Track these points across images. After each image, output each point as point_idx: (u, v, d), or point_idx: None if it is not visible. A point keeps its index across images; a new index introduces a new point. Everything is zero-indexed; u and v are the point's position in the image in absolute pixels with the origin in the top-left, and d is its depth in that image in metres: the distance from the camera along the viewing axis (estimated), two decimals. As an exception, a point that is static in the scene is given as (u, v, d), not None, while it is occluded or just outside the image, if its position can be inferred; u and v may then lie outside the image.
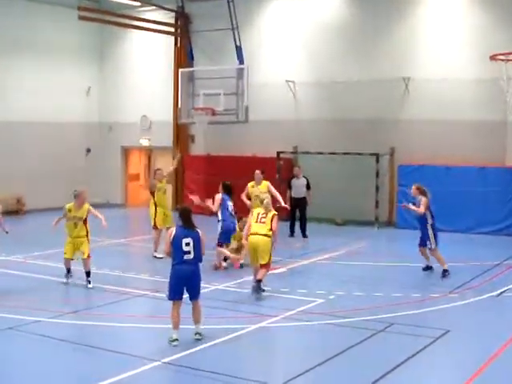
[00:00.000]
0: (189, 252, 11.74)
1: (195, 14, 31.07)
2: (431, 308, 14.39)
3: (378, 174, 25.88)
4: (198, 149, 31.45)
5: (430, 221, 17.58)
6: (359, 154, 26.13)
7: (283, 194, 25.96)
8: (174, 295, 11.88)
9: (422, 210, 17.46)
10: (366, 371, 10.60)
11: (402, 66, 26.30)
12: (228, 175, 27.13)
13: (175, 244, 11.78)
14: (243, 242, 16.18)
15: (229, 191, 18.66)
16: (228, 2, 27.58)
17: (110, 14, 30.91)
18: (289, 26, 28.91)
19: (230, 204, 18.47)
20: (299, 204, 24.00)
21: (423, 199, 17.54)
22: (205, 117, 26.54)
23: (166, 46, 31.87)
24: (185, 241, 11.74)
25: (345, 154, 26.47)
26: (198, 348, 11.51)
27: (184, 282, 11.83)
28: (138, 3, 31.11)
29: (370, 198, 26.04)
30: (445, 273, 17.31)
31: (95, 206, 17.09)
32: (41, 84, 30.75)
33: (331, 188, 26.18)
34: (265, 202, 15.82)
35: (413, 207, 17.72)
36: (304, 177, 24.18)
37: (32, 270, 17.81)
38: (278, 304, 14.61)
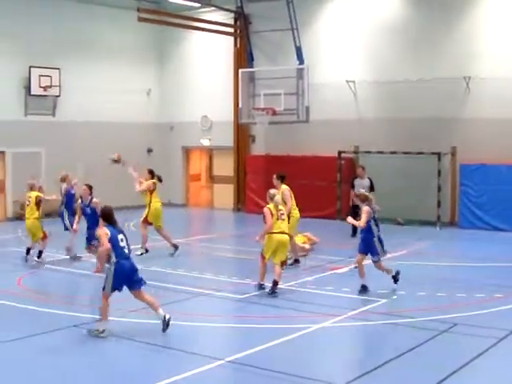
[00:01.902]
0: (124, 247, 12.44)
1: (254, 14, 31.18)
2: (495, 308, 14.22)
3: (439, 174, 25.67)
4: (258, 149, 31.56)
5: (376, 233, 15.49)
6: (420, 153, 25.99)
7: (346, 194, 26.09)
8: (120, 287, 12.46)
9: (361, 223, 15.38)
10: (430, 372, 10.57)
11: (462, 65, 25.99)
12: (289, 175, 27.27)
13: (115, 242, 12.35)
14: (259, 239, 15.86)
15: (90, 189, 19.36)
16: (287, 2, 27.57)
17: (169, 15, 31.23)
18: (348, 25, 28.84)
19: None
20: (362, 204, 23.89)
21: (364, 208, 15.48)
22: (265, 117, 26.69)
23: (225, 46, 32.07)
24: (120, 237, 12.43)
25: (406, 153, 26.35)
26: (261, 347, 11.57)
27: (131, 274, 12.42)
28: (198, 4, 31.32)
29: (431, 198, 25.84)
30: (396, 275, 15.87)
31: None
32: (102, 85, 31.18)
33: (393, 187, 25.96)
34: (276, 198, 15.75)
35: (353, 221, 16.08)
36: (368, 178, 23.91)
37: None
38: (341, 304, 14.64)
